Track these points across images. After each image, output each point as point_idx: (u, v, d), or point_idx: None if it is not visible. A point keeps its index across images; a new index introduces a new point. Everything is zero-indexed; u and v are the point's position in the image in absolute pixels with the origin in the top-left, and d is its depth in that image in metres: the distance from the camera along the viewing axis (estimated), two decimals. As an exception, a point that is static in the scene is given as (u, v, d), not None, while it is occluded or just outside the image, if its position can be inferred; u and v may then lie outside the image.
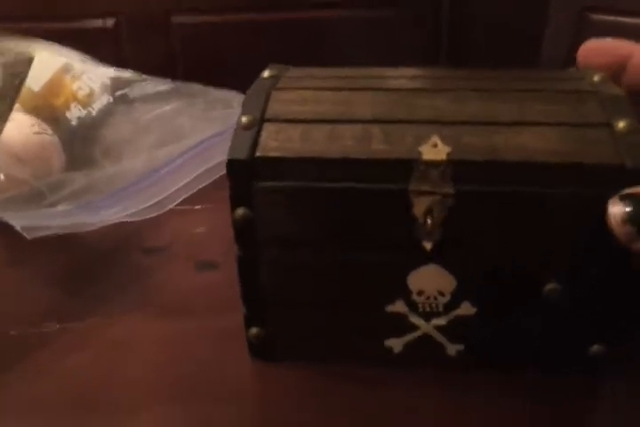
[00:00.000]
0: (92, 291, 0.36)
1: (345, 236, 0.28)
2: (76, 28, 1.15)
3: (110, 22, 1.15)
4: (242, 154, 0.27)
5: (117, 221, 0.38)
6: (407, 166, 0.26)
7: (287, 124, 0.28)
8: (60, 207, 0.38)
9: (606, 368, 0.29)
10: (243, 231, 0.28)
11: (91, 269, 0.38)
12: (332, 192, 0.27)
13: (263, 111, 0.28)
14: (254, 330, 0.30)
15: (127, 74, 0.54)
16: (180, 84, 0.55)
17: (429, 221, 0.27)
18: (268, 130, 0.28)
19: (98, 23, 1.15)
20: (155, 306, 0.35)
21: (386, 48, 1.20)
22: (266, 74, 0.31)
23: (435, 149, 0.26)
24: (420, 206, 0.26)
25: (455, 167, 0.26)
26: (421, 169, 0.26)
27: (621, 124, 0.26)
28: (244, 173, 0.27)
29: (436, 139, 0.27)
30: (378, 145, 0.27)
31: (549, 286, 0.27)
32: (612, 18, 1.03)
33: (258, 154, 0.27)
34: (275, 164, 0.27)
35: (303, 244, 0.28)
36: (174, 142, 0.46)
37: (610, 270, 0.27)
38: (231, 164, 0.27)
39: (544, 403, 0.28)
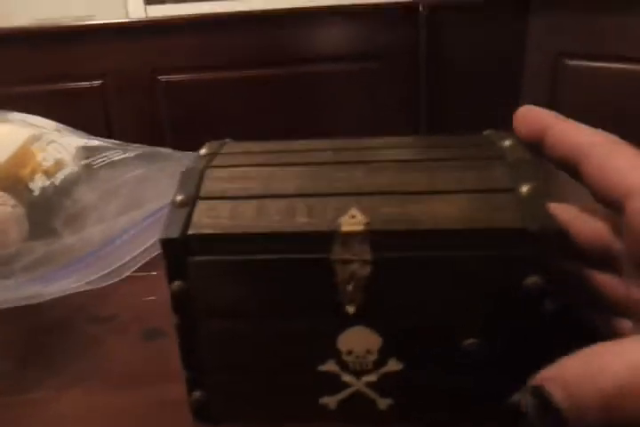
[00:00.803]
0: (40, 363, 0.37)
1: (275, 305, 0.29)
2: (64, 89, 1.19)
3: (97, 83, 1.18)
4: (175, 233, 0.28)
5: (72, 291, 0.39)
6: (329, 237, 0.28)
7: (218, 202, 0.29)
8: (13, 280, 0.38)
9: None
10: (180, 302, 0.29)
11: (39, 340, 0.39)
12: (261, 264, 0.28)
13: (197, 189, 0.30)
14: (196, 394, 0.31)
15: (95, 142, 0.55)
16: (148, 150, 0.57)
17: (350, 287, 0.28)
18: (201, 208, 0.29)
19: (84, 84, 1.19)
20: (102, 377, 0.35)
21: (370, 98, 1.23)
22: (202, 151, 0.33)
23: (353, 220, 0.28)
24: (342, 273, 0.28)
25: (373, 236, 0.27)
26: (342, 239, 0.28)
27: (525, 189, 0.28)
28: (178, 250, 0.28)
29: (354, 210, 0.28)
30: (301, 218, 0.28)
31: (468, 342, 0.28)
32: (586, 63, 1.05)
33: (190, 232, 0.28)
34: (206, 240, 0.28)
35: (236, 313, 0.29)
36: (136, 209, 0.47)
37: (523, 325, 0.28)
38: (165, 242, 0.28)
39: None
